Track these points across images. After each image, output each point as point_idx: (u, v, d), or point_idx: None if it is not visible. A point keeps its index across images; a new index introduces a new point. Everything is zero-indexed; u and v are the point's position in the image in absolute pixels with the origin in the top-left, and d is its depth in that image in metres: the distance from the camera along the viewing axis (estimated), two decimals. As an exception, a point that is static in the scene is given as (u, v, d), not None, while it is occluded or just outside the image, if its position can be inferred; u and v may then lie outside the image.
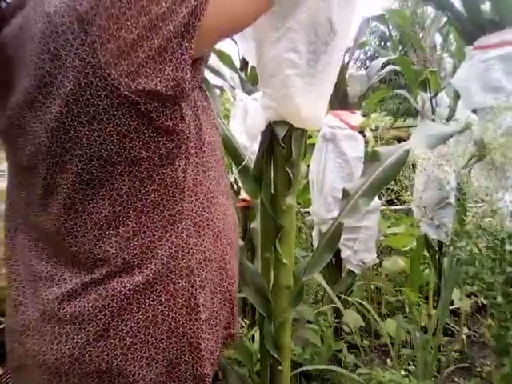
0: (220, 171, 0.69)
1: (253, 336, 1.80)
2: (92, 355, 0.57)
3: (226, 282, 0.68)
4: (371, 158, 1.15)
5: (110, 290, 0.57)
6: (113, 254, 0.58)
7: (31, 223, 0.64)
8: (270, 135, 1.06)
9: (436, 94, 2.09)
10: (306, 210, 2.46)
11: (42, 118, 0.55)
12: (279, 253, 1.09)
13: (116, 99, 0.51)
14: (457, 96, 2.04)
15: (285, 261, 1.10)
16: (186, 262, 0.61)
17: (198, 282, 0.62)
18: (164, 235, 0.60)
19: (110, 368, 0.57)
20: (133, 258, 0.58)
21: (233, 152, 1.23)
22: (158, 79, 0.52)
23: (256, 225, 1.36)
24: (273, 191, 1.11)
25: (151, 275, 0.59)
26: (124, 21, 0.49)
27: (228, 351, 1.66)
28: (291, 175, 1.05)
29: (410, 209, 2.98)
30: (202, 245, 0.63)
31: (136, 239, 0.58)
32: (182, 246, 0.61)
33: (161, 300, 0.60)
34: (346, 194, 1.15)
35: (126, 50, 0.50)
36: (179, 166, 0.59)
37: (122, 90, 0.51)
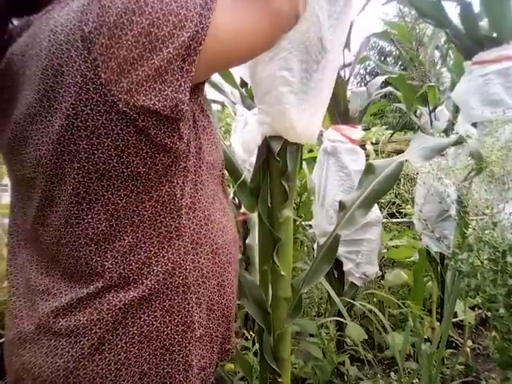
0: (216, 189, 0.70)
1: (256, 351, 1.80)
2: (87, 369, 0.57)
3: (223, 298, 0.68)
4: (367, 170, 1.17)
5: (106, 304, 0.58)
6: (108, 268, 0.58)
7: (30, 237, 0.65)
8: (265, 150, 1.08)
9: (435, 108, 2.12)
10: (308, 223, 2.47)
11: (44, 131, 0.56)
12: (277, 265, 1.10)
13: (115, 115, 0.53)
14: (456, 110, 2.07)
15: (283, 273, 1.11)
16: (182, 279, 0.62)
17: (194, 299, 0.63)
18: (161, 251, 0.60)
19: (103, 383, 0.57)
20: (129, 273, 0.59)
21: (231, 167, 1.25)
22: (157, 98, 0.53)
23: (251, 239, 1.36)
24: (270, 204, 1.12)
25: (147, 291, 0.59)
26: (125, 41, 0.51)
27: (229, 364, 1.66)
28: (287, 188, 1.07)
29: (411, 221, 2.99)
30: (199, 262, 0.64)
31: (132, 254, 0.59)
32: (180, 263, 0.61)
33: (156, 316, 0.60)
34: (342, 206, 1.16)
35: (126, 68, 0.52)
36: (177, 183, 0.60)
37: (120, 106, 0.52)
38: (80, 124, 0.54)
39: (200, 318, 0.64)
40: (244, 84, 2.25)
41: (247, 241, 1.39)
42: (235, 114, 2.06)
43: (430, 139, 1.20)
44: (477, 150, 1.23)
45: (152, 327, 0.59)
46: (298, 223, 2.24)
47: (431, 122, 2.10)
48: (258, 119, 1.01)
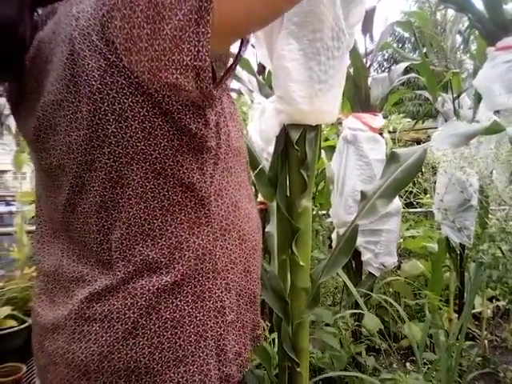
0: (243, 176, 0.71)
1: (273, 339, 1.80)
2: (121, 353, 0.57)
3: (250, 284, 0.70)
4: (390, 159, 1.15)
5: (139, 289, 0.58)
6: (139, 251, 0.59)
7: (60, 225, 0.65)
8: (284, 138, 1.07)
9: (459, 96, 2.07)
10: (324, 212, 2.45)
11: (72, 117, 0.56)
12: (296, 255, 1.10)
13: (141, 96, 0.53)
14: (478, 97, 2.02)
15: (301, 263, 1.10)
16: (212, 265, 0.62)
17: (223, 285, 0.64)
18: (191, 237, 0.60)
19: (137, 366, 0.58)
20: (161, 257, 0.59)
21: (248, 156, 1.24)
22: (178, 71, 0.52)
23: (271, 228, 1.36)
24: (288, 194, 1.12)
25: (179, 276, 0.59)
26: (135, 18, 0.50)
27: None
28: (306, 177, 1.06)
29: (428, 211, 2.95)
30: (227, 248, 0.65)
31: (163, 239, 0.59)
32: (209, 249, 0.62)
33: (188, 301, 0.60)
34: (363, 196, 1.15)
35: (142, 45, 0.51)
36: (207, 170, 0.60)
37: (145, 87, 0.52)
38: (107, 108, 0.53)
39: (230, 303, 0.65)
40: (261, 71, 2.23)
41: (267, 229, 1.38)
42: (252, 102, 2.04)
43: (460, 126, 1.17)
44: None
45: (184, 312, 0.60)
46: (314, 213, 2.23)
47: (455, 109, 2.05)
48: (275, 107, 1.00)
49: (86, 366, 0.58)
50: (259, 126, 1.81)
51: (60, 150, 0.59)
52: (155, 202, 0.58)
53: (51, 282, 0.66)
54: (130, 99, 0.53)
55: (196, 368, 0.60)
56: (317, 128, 1.05)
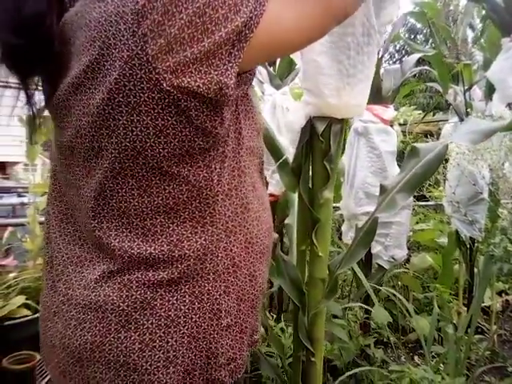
0: (257, 176, 0.69)
1: (281, 329, 1.82)
2: (112, 345, 0.57)
3: (254, 289, 0.67)
4: (410, 153, 1.15)
5: (135, 282, 0.58)
6: (138, 245, 0.58)
7: (66, 204, 0.66)
8: (309, 130, 1.07)
9: (470, 88, 2.05)
10: (335, 204, 2.45)
11: (86, 103, 0.56)
12: (315, 245, 1.10)
13: (158, 93, 0.52)
14: (489, 90, 1.99)
15: (320, 253, 1.11)
16: (213, 266, 0.61)
17: (222, 288, 0.62)
18: (193, 236, 0.60)
19: (126, 361, 0.57)
20: (159, 253, 0.58)
21: (271, 147, 1.25)
22: (202, 81, 0.52)
23: (290, 219, 1.37)
24: (310, 185, 1.12)
25: (176, 274, 0.59)
26: (179, 19, 0.50)
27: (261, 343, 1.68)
28: (329, 169, 1.06)
29: (438, 204, 2.94)
30: (231, 250, 0.63)
31: (164, 235, 0.58)
32: (211, 250, 0.61)
33: (185, 301, 0.59)
34: (383, 189, 1.15)
35: (175, 47, 0.51)
36: (215, 168, 0.59)
37: (164, 85, 0.51)
38: (121, 99, 0.53)
39: (228, 306, 0.63)
40: (272, 63, 2.22)
41: (286, 221, 1.39)
42: (263, 93, 2.03)
43: (479, 122, 1.16)
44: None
45: (180, 312, 0.59)
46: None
47: (466, 101, 2.03)
48: (304, 100, 1.02)
49: (80, 354, 0.59)
50: (274, 115, 1.82)
51: (70, 132, 0.59)
52: (159, 198, 0.58)
53: (55, 264, 0.66)
54: (146, 94, 0.52)
55: (183, 368, 0.59)
56: (342, 121, 1.06)
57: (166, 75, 0.51)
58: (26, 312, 1.64)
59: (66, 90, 0.58)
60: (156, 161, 0.56)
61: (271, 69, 2.19)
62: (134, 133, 0.54)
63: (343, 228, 2.00)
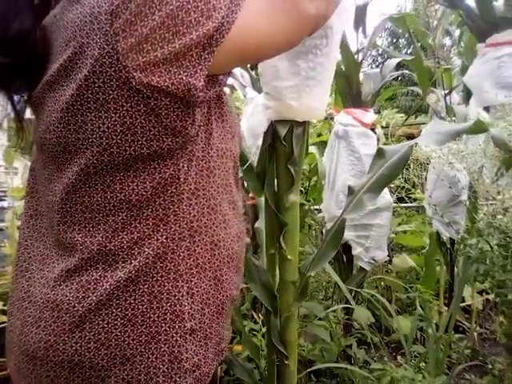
0: (228, 180, 0.68)
1: (263, 335, 1.82)
2: (66, 345, 0.57)
3: (220, 294, 0.66)
4: (377, 155, 1.15)
5: (92, 283, 0.58)
6: (98, 241, 0.58)
7: (37, 200, 0.67)
8: (271, 134, 1.08)
9: (450, 92, 2.09)
10: (317, 207, 2.47)
11: (57, 99, 0.57)
12: (284, 249, 1.11)
13: (127, 91, 0.53)
14: (467, 94, 2.04)
15: (289, 257, 1.12)
16: (174, 266, 0.60)
17: (185, 288, 0.61)
18: (155, 234, 0.59)
19: (81, 360, 0.57)
20: (118, 250, 0.58)
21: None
22: (171, 81, 0.53)
23: (260, 223, 1.37)
24: (276, 189, 1.13)
25: (134, 272, 0.58)
26: (151, 20, 0.51)
27: (237, 346, 1.68)
28: (293, 173, 1.08)
29: (420, 206, 2.98)
30: (195, 251, 0.62)
31: (125, 232, 0.58)
32: (173, 248, 0.60)
33: (143, 300, 0.59)
34: (351, 190, 1.16)
35: (145, 47, 0.52)
36: (182, 167, 0.59)
37: (134, 83, 0.52)
38: (90, 96, 0.54)
39: (192, 309, 0.62)
40: (254, 66, 2.23)
41: (256, 224, 1.40)
42: (245, 97, 2.04)
43: (445, 124, 1.18)
44: (501, 137, 1.20)
45: (137, 311, 0.59)
46: (306, 207, 2.24)
47: (446, 105, 2.07)
48: (264, 104, 1.02)
49: (33, 352, 0.59)
50: (248, 122, 1.83)
51: (41, 128, 0.60)
52: (122, 194, 0.58)
53: (18, 259, 0.67)
54: (115, 91, 0.53)
55: (143, 368, 0.59)
56: (304, 124, 1.07)
57: (135, 73, 0.52)
58: (4, 318, 1.62)
59: (41, 88, 0.59)
60: (122, 158, 0.56)
61: (253, 72, 2.20)
62: (101, 129, 0.55)
63: (324, 230, 2.02)
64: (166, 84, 0.53)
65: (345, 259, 1.98)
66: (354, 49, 1.81)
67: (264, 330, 1.81)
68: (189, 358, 0.61)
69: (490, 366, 1.79)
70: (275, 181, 1.13)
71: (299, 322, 1.91)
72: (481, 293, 2.51)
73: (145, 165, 0.57)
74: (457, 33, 2.39)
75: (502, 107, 1.46)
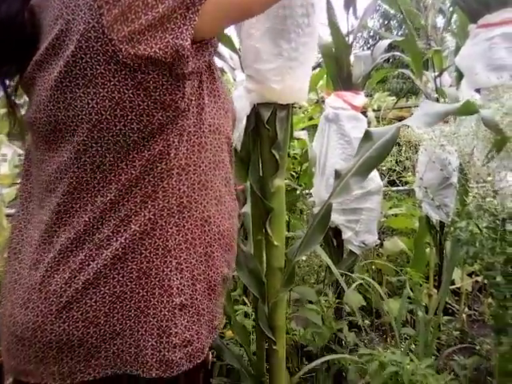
0: (221, 156, 0.68)
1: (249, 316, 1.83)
2: (53, 325, 0.58)
3: (210, 270, 0.66)
4: (364, 138, 1.13)
5: (78, 263, 0.58)
6: (85, 221, 0.58)
7: (31, 183, 0.66)
8: (254, 118, 1.06)
9: (440, 74, 2.07)
10: (309, 191, 2.46)
11: (46, 78, 0.57)
12: (270, 235, 1.10)
13: (114, 65, 0.53)
14: (459, 75, 2.02)
15: (276, 243, 1.11)
16: (163, 242, 0.60)
17: (174, 264, 0.61)
18: (142, 210, 0.59)
19: (70, 339, 0.58)
20: (105, 228, 0.58)
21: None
22: (158, 46, 0.53)
23: (247, 208, 1.36)
24: (261, 174, 1.11)
25: (120, 249, 0.58)
26: None
27: (229, 332, 1.69)
28: (278, 157, 1.06)
29: (411, 189, 2.98)
30: (184, 226, 0.62)
31: (113, 211, 0.58)
32: (161, 225, 0.60)
33: (131, 277, 0.59)
34: (338, 174, 1.14)
35: (129, 16, 0.51)
36: (172, 142, 0.59)
37: (121, 56, 0.52)
38: (78, 72, 0.54)
39: (181, 284, 0.62)
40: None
41: (243, 209, 1.38)
42: (235, 80, 2.01)
43: (434, 105, 1.16)
44: (491, 119, 1.18)
45: (126, 288, 0.59)
46: (298, 192, 2.23)
47: (436, 87, 2.05)
48: (246, 87, 1.00)
49: (22, 333, 0.59)
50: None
51: (31, 109, 0.60)
52: (112, 174, 0.57)
53: (12, 241, 0.67)
54: (102, 66, 0.53)
55: (132, 341, 0.60)
56: (288, 107, 1.05)
57: (121, 46, 0.52)
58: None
59: (31, 69, 0.59)
60: (112, 134, 0.56)
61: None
62: (90, 105, 0.54)
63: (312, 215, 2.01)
64: (153, 50, 0.52)
65: (335, 243, 1.98)
66: (344, 30, 1.77)
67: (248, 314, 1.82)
68: (178, 333, 0.61)
69: (478, 347, 1.82)
70: (260, 166, 1.11)
71: (291, 306, 1.92)
72: (470, 275, 2.53)
73: (134, 142, 0.57)
74: (449, 13, 2.36)
75: (494, 88, 1.45)
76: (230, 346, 1.40)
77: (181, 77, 0.56)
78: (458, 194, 1.99)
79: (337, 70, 1.80)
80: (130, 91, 0.54)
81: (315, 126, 2.25)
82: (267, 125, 1.03)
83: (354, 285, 1.79)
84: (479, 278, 2.49)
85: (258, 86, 0.96)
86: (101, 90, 0.54)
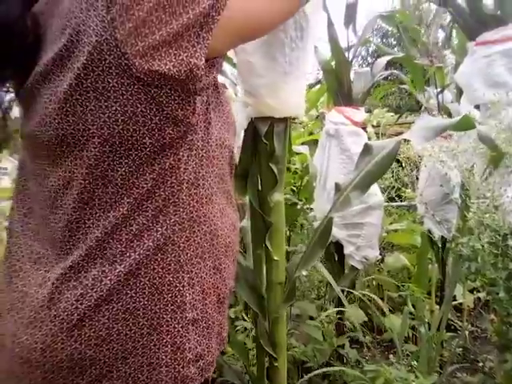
0: (226, 169, 0.68)
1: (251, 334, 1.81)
2: (64, 344, 0.55)
3: (219, 283, 0.66)
4: (364, 152, 1.13)
5: (91, 279, 0.56)
6: (97, 237, 0.57)
7: (30, 197, 0.64)
8: (252, 132, 1.06)
9: (442, 90, 2.09)
10: (309, 206, 2.46)
11: (53, 90, 0.55)
12: (270, 250, 1.09)
13: (127, 79, 0.52)
14: (460, 92, 2.04)
15: (275, 257, 1.10)
16: (175, 257, 0.59)
17: (186, 279, 0.60)
18: (154, 225, 0.58)
19: (82, 358, 0.56)
20: (117, 243, 0.57)
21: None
22: (172, 63, 0.52)
23: (246, 223, 1.35)
24: (260, 188, 1.10)
25: (134, 265, 0.57)
26: (147, 2, 0.50)
27: (228, 348, 1.67)
28: (276, 171, 1.05)
29: (411, 205, 2.98)
30: (195, 241, 0.61)
31: (124, 225, 0.57)
32: (173, 240, 0.59)
33: (144, 293, 0.58)
34: (338, 188, 1.14)
35: (143, 31, 0.51)
36: (182, 156, 0.58)
37: (134, 70, 0.51)
38: (90, 85, 0.53)
39: (193, 299, 0.61)
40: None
41: (242, 223, 1.38)
42: (236, 95, 2.03)
43: (432, 120, 1.17)
44: (487, 135, 1.19)
45: (138, 304, 0.57)
46: (299, 207, 2.23)
47: (439, 103, 2.07)
48: (243, 101, 1.00)
49: (29, 354, 0.57)
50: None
51: (35, 121, 0.58)
52: (123, 188, 0.56)
53: (11, 258, 0.64)
54: (115, 79, 0.52)
55: (145, 360, 0.58)
56: (285, 121, 1.04)
57: (135, 60, 0.51)
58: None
59: (34, 79, 0.57)
60: (124, 148, 0.55)
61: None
62: (102, 119, 0.53)
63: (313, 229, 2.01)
64: (167, 67, 0.52)
65: (336, 258, 1.97)
66: (344, 47, 1.80)
67: (248, 331, 1.80)
68: (192, 348, 0.61)
69: (482, 364, 1.80)
70: (258, 180, 1.10)
71: (292, 321, 1.91)
72: (472, 291, 2.52)
73: (146, 156, 0.56)
74: (449, 30, 2.40)
75: (492, 105, 1.46)
76: (230, 361, 1.38)
77: (192, 92, 0.55)
78: (459, 210, 1.99)
79: (337, 85, 1.82)
80: (143, 105, 0.53)
81: (316, 141, 2.27)
82: (265, 139, 1.03)
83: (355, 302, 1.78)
84: (481, 294, 2.47)
85: (253, 100, 0.96)
86: (113, 104, 0.53)
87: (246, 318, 1.93)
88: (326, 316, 1.87)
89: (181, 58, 0.53)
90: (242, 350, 1.37)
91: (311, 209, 2.10)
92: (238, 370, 1.31)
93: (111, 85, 0.52)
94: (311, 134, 2.69)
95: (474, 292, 2.54)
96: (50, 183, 0.59)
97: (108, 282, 0.56)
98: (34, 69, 0.57)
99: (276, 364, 1.13)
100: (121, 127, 0.54)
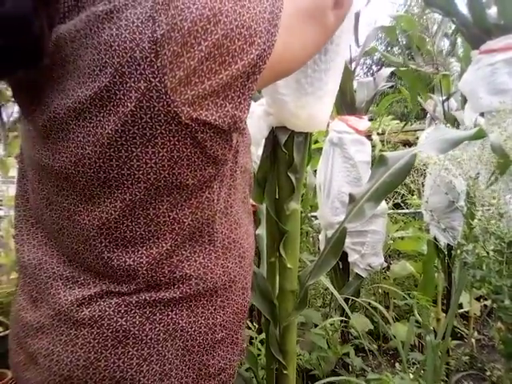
0: (247, 192, 0.70)
1: (261, 341, 1.81)
2: (108, 361, 0.56)
3: (245, 301, 0.68)
4: (378, 162, 1.13)
5: (135, 297, 0.57)
6: (143, 274, 0.57)
7: (50, 224, 0.62)
8: (272, 141, 1.08)
9: (448, 98, 2.10)
10: (315, 214, 2.47)
11: (91, 131, 0.52)
12: (283, 257, 1.10)
13: (175, 126, 0.51)
14: (464, 100, 2.04)
15: (289, 265, 1.11)
16: (212, 284, 0.62)
17: (218, 303, 0.63)
18: (192, 255, 0.60)
19: (123, 377, 0.56)
20: (160, 276, 0.58)
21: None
22: (218, 114, 0.52)
23: (261, 230, 1.37)
24: (277, 196, 1.12)
25: (178, 293, 0.59)
26: (198, 51, 0.49)
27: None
28: (294, 180, 1.06)
29: (417, 212, 2.98)
30: (228, 266, 0.64)
31: (167, 259, 0.58)
32: (211, 268, 0.61)
33: (182, 315, 0.60)
34: (352, 198, 1.14)
35: (193, 79, 0.49)
36: (215, 188, 0.60)
37: (183, 118, 0.50)
38: (136, 131, 0.51)
39: (223, 320, 0.64)
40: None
41: (257, 231, 1.39)
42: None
43: (447, 131, 1.16)
44: (499, 144, 1.19)
45: (177, 326, 0.59)
46: (303, 214, 2.24)
47: (444, 111, 2.08)
48: (264, 110, 1.01)
49: (70, 372, 0.57)
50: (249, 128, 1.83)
51: (68, 159, 0.55)
52: (165, 225, 0.57)
53: (30, 275, 0.63)
54: (163, 126, 0.50)
55: (177, 381, 0.60)
56: (305, 132, 1.06)
57: (184, 108, 0.50)
58: (-1, 328, 1.60)
59: (65, 113, 0.53)
60: (167, 189, 0.55)
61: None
62: (149, 165, 0.52)
63: (320, 237, 2.02)
64: (213, 118, 0.52)
65: (341, 266, 1.97)
66: (346, 57, 1.82)
67: (260, 337, 1.80)
68: (215, 364, 0.63)
69: (489, 373, 1.78)
70: (276, 188, 1.12)
71: (297, 329, 1.90)
72: (478, 299, 2.50)
73: (187, 194, 0.57)
74: (452, 38, 2.41)
75: (497, 113, 1.47)
76: (239, 370, 1.39)
77: (229, 131, 0.56)
78: (464, 218, 1.99)
79: (340, 95, 1.84)
80: (189, 150, 0.53)
81: (320, 150, 2.28)
82: (284, 148, 1.05)
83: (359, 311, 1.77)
84: (487, 302, 2.46)
85: (276, 110, 0.97)
86: (160, 150, 0.52)
87: (250, 325, 1.93)
88: (331, 324, 1.86)
89: (226, 109, 0.52)
90: (250, 357, 1.38)
91: (315, 217, 2.10)
92: (247, 377, 1.32)
93: (159, 131, 0.51)
94: (316, 142, 2.70)
95: (481, 300, 2.52)
96: (84, 222, 0.57)
97: (152, 301, 0.58)
98: (56, 97, 0.54)
99: (286, 372, 1.14)
100: (167, 172, 0.53)
